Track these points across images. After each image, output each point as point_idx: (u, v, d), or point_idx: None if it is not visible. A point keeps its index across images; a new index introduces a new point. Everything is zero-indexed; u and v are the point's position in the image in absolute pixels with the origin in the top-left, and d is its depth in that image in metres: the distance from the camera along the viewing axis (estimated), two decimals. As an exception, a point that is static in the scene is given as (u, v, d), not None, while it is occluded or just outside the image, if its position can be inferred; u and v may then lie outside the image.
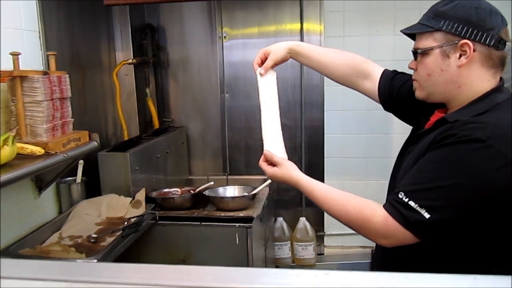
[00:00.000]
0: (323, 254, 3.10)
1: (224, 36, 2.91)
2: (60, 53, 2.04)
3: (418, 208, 1.06)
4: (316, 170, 2.97)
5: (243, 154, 3.03)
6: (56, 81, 1.68)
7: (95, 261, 1.48)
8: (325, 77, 2.82)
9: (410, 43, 2.59)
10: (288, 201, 3.04)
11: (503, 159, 1.02)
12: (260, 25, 2.89)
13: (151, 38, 2.82)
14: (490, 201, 1.04)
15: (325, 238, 3.09)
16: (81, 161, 2.01)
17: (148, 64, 2.76)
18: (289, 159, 1.40)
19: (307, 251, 2.94)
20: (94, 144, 1.82)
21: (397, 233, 1.09)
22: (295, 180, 1.32)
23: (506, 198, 1.04)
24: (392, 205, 1.11)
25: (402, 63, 2.77)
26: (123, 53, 2.64)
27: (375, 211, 1.14)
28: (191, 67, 2.95)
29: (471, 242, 1.12)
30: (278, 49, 1.47)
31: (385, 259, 1.32)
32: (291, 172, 1.33)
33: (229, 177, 2.74)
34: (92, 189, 2.12)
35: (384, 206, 1.13)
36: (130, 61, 2.52)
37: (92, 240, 1.74)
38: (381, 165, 2.97)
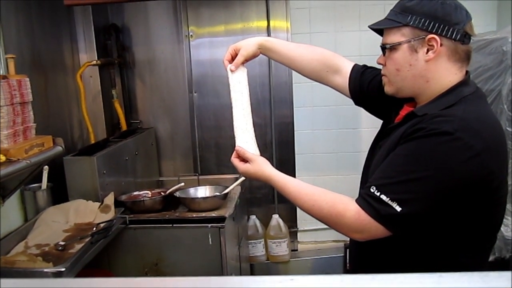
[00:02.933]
0: (297, 250, 3.11)
1: (191, 35, 2.88)
2: (20, 56, 1.97)
3: (390, 202, 1.07)
4: (287, 166, 2.98)
5: (213, 153, 3.01)
6: (16, 85, 1.62)
7: (63, 269, 1.44)
8: (293, 74, 2.86)
9: (375, 39, 2.63)
10: (260, 198, 3.04)
11: (470, 151, 1.04)
12: (226, 23, 2.88)
13: (116, 38, 2.76)
14: (459, 192, 1.06)
15: (299, 234, 3.11)
16: (46, 167, 1.95)
17: (114, 65, 2.70)
18: (260, 155, 1.40)
19: (281, 248, 2.95)
20: (59, 149, 1.77)
21: (370, 227, 1.10)
22: (268, 176, 1.32)
23: (474, 189, 1.06)
24: (364, 199, 1.11)
25: (368, 59, 2.80)
26: (87, 55, 2.57)
27: (347, 205, 1.14)
28: (158, 67, 2.91)
29: (440, 232, 1.14)
30: (248, 44, 1.46)
31: (359, 252, 1.33)
32: (264, 168, 1.33)
33: (200, 177, 2.71)
34: (59, 195, 2.06)
35: (356, 200, 1.14)
36: (94, 62, 2.46)
37: (60, 248, 1.69)
38: (351, 160, 3.00)
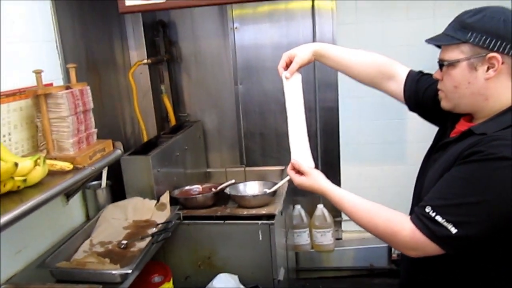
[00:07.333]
0: (341, 239, 3.15)
1: (236, 27, 2.89)
2: (77, 60, 2.05)
3: (445, 223, 1.08)
4: (331, 157, 3.00)
5: (258, 144, 3.06)
6: (78, 95, 1.70)
7: (130, 271, 1.54)
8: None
9: (423, 28, 2.63)
10: (305, 188, 3.07)
11: None
12: (271, 21, 2.87)
13: (163, 34, 2.81)
14: None
15: (343, 223, 3.14)
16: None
17: (162, 62, 2.77)
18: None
19: (326, 237, 3.00)
20: (118, 152, 1.85)
21: (425, 246, 1.13)
22: (323, 190, 1.36)
23: None
24: (419, 219, 1.13)
25: (415, 49, 2.76)
26: (137, 52, 2.64)
27: (402, 224, 1.17)
28: (204, 60, 2.96)
29: (496, 254, 1.15)
30: (303, 52, 1.48)
31: (412, 266, 1.35)
32: (319, 181, 1.37)
33: (247, 168, 2.78)
34: (117, 192, 2.18)
35: (411, 219, 1.16)
36: (145, 61, 2.53)
37: (123, 246, 1.80)
38: (397, 151, 2.99)
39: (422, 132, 2.50)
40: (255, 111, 3.02)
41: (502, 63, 1.11)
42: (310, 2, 2.81)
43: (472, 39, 1.13)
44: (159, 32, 2.76)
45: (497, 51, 1.10)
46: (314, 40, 2.82)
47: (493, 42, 1.10)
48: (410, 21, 2.77)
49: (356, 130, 3.03)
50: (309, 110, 2.95)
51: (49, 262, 1.62)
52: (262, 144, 3.07)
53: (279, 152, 3.02)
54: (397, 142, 2.98)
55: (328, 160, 3.00)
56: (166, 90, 2.84)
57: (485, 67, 1.13)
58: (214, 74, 2.97)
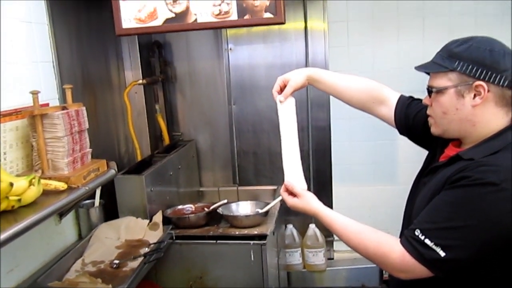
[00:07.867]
0: (333, 258, 3.16)
1: (230, 48, 2.94)
2: (73, 80, 2.08)
3: (434, 246, 1.11)
4: (323, 177, 3.03)
5: (252, 163, 3.09)
6: (74, 115, 1.72)
7: (122, 292, 1.55)
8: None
9: (413, 50, 2.65)
10: (297, 208, 3.09)
11: None
12: (265, 41, 2.92)
13: (159, 54, 2.85)
14: (503, 242, 1.09)
15: (335, 243, 3.15)
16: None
17: (157, 82, 2.80)
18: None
19: (318, 257, 3.00)
20: (112, 172, 1.86)
21: (414, 268, 1.15)
22: (315, 211, 1.38)
23: None
24: (409, 242, 1.16)
25: (406, 70, 2.81)
26: (132, 72, 2.68)
27: (392, 247, 1.19)
28: (198, 80, 3.00)
29: (483, 275, 1.17)
30: (297, 76, 1.53)
31: (401, 283, 1.37)
32: (311, 203, 1.40)
33: (240, 188, 2.80)
34: (110, 211, 2.18)
35: (401, 242, 1.19)
36: (140, 81, 2.57)
37: (115, 266, 1.80)
38: (387, 171, 3.03)
39: (412, 153, 2.52)
40: (249, 130, 3.05)
41: (488, 91, 1.15)
42: (303, 23, 2.87)
43: (459, 68, 1.17)
44: (155, 52, 2.81)
45: (483, 80, 1.15)
46: (307, 61, 2.88)
47: (479, 71, 1.15)
48: (400, 44, 2.84)
49: (347, 150, 3.06)
50: (302, 130, 2.98)
51: (41, 282, 1.62)
52: (255, 163, 3.09)
53: (272, 171, 3.05)
54: (388, 162, 3.02)
55: (320, 180, 3.03)
56: (161, 110, 2.87)
57: (472, 95, 1.17)
58: (208, 94, 3.01)
